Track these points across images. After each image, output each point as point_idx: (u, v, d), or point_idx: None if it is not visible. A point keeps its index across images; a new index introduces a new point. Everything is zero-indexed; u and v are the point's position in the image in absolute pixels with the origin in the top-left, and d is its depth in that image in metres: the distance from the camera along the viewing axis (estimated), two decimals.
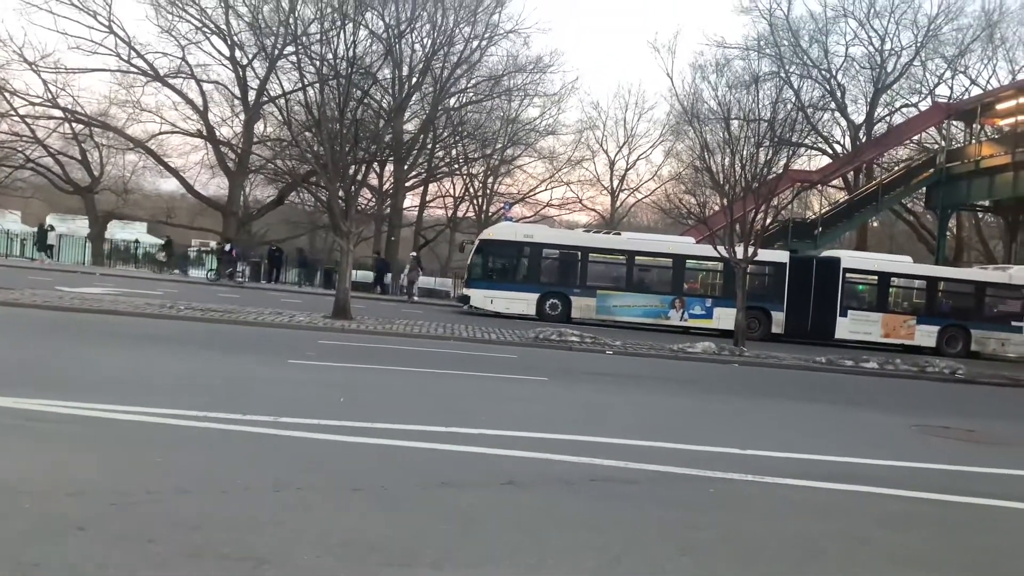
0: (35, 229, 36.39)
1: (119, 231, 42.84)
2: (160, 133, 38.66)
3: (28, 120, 36.07)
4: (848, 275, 25.24)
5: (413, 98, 39.48)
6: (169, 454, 5.72)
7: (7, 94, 35.25)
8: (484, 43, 40.37)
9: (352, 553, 4.02)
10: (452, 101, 41.18)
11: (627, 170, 49.32)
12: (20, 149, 36.58)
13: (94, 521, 4.14)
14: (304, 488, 5.08)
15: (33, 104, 36.14)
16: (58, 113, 36.58)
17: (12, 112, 35.59)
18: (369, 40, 29.88)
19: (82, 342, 11.86)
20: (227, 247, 33.38)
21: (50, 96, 36.09)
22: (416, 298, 31.03)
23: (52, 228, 36.76)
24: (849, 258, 26.45)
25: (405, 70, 38.85)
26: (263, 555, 3.86)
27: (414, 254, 35.40)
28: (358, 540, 4.21)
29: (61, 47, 47.29)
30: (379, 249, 37.92)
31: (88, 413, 6.61)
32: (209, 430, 6.45)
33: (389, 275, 34.63)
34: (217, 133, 38.85)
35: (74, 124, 37.19)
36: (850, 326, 24.75)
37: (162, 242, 37.31)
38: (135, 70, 37.26)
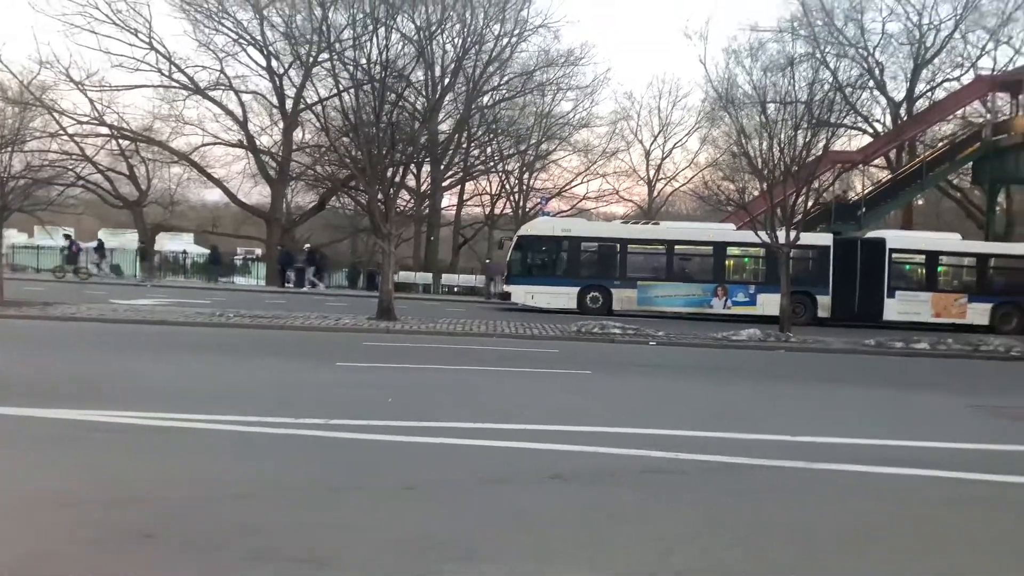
0: None
1: (168, 243, 43.86)
2: (203, 145, 39.52)
3: (77, 139, 37.08)
4: (894, 255, 24.75)
5: (447, 98, 39.73)
6: (227, 460, 5.89)
7: (56, 114, 36.25)
8: (514, 40, 40.46)
9: (409, 551, 4.11)
10: (485, 99, 41.30)
11: (663, 159, 49.00)
12: (71, 167, 37.59)
13: (161, 528, 4.29)
14: (359, 489, 5.20)
15: (81, 123, 37.15)
16: (105, 130, 37.56)
17: (62, 132, 36.60)
18: (401, 43, 30.23)
19: (138, 353, 12.20)
20: (69, 243, 33.86)
21: (97, 114, 37.08)
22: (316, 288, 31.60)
23: None
24: (895, 238, 25.89)
25: (437, 71, 39.10)
26: (323, 556, 3.97)
27: (309, 246, 35.13)
28: (414, 538, 4.30)
29: (105, 66, 48.36)
30: (282, 242, 37.83)
31: (148, 423, 6.83)
32: (265, 435, 6.61)
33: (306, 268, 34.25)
34: (257, 142, 39.54)
35: (121, 140, 38.14)
36: (898, 307, 24.27)
37: (94, 246, 36.67)
38: (176, 84, 38.09)
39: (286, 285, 33.52)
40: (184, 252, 40.28)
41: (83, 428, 6.59)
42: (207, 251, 39.83)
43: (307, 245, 35.39)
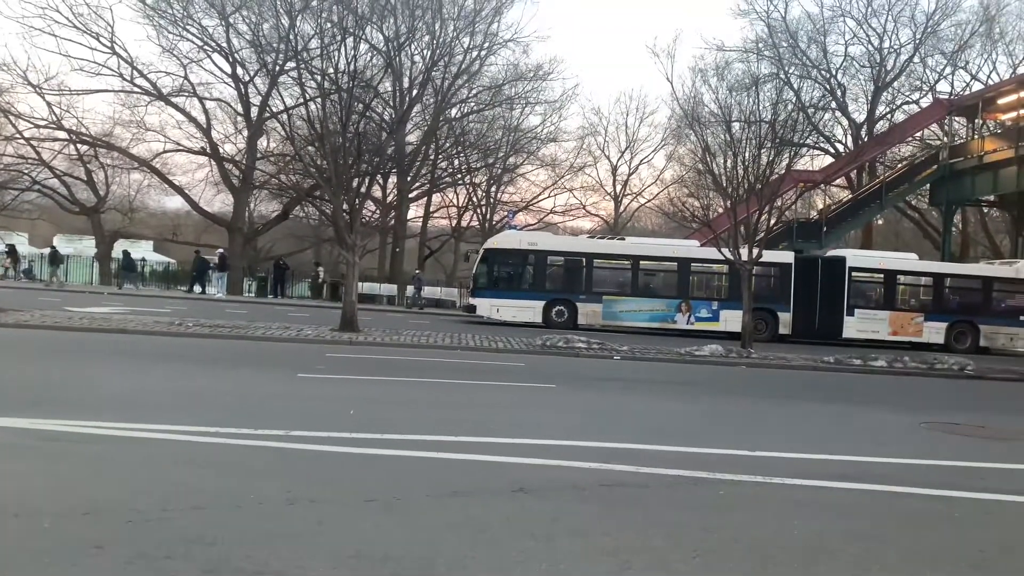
0: None
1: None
2: (164, 152, 38.99)
3: (33, 142, 36.33)
4: (854, 274, 25.25)
5: (415, 110, 39.73)
6: (183, 471, 5.76)
7: (12, 117, 35.51)
8: (484, 53, 40.66)
9: (366, 564, 4.06)
10: (453, 111, 41.39)
11: (630, 175, 49.56)
12: (26, 171, 36.84)
13: (111, 540, 4.18)
14: (317, 501, 5.12)
15: (38, 126, 36.42)
16: (63, 135, 36.86)
17: (17, 135, 35.84)
18: (369, 53, 30.17)
19: (93, 362, 11.94)
20: None
21: (55, 118, 36.39)
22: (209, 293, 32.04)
23: None
24: (854, 257, 26.44)
25: (406, 82, 39.10)
26: (278, 569, 3.90)
27: (222, 251, 35.26)
28: (372, 551, 4.24)
29: (64, 69, 47.76)
30: (198, 248, 37.44)
31: (102, 432, 6.66)
32: (221, 446, 6.50)
33: (212, 273, 34.30)
34: (221, 150, 39.11)
35: (79, 145, 37.46)
36: (857, 325, 24.75)
37: (4, 249, 35.96)
38: (138, 90, 37.57)
39: (205, 290, 33.35)
40: (143, 260, 39.58)
41: (35, 437, 6.41)
42: (166, 259, 39.22)
43: (220, 249, 35.13)
